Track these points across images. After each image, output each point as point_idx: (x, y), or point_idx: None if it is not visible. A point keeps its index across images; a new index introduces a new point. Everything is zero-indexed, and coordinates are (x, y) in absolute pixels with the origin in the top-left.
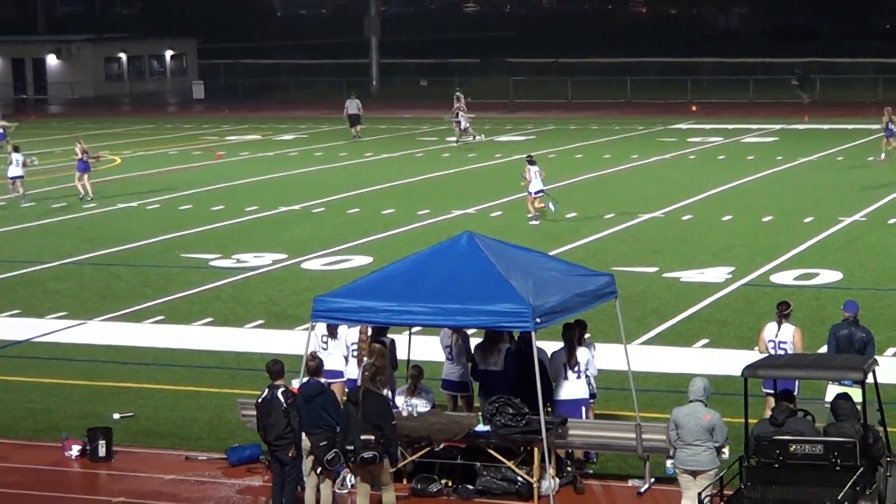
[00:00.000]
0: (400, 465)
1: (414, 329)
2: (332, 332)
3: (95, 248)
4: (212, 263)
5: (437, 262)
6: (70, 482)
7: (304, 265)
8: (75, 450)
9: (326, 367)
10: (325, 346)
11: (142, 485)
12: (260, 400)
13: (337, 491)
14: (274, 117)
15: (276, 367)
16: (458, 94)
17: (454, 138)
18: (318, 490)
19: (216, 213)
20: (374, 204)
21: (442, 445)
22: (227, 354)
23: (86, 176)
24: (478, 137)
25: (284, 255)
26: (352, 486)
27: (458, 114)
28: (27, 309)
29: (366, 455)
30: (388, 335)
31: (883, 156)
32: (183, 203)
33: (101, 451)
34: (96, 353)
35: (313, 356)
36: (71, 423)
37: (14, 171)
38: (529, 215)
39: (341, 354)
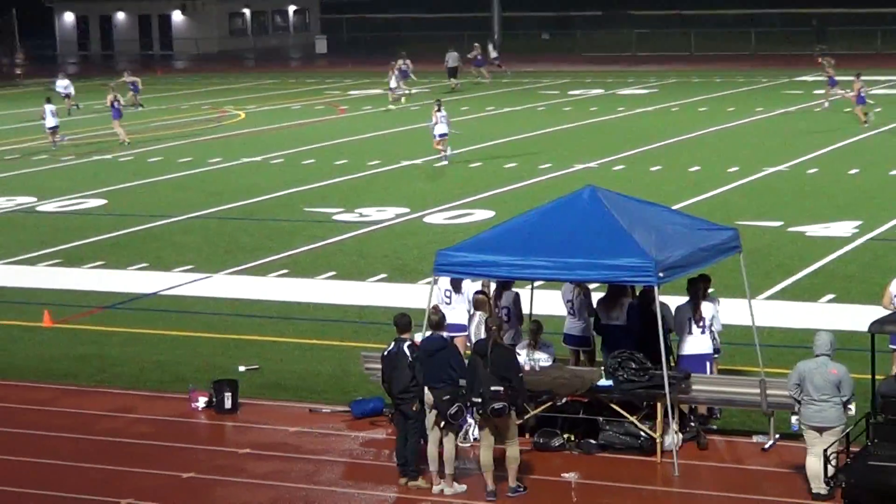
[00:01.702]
0: (522, 420)
1: (536, 283)
2: (456, 287)
3: (221, 202)
4: (335, 217)
5: (559, 216)
6: (197, 433)
7: (426, 219)
8: (202, 401)
9: (449, 321)
10: (447, 300)
11: (267, 436)
12: (385, 353)
13: (460, 444)
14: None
15: (403, 320)
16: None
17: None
18: (440, 444)
19: (339, 168)
20: (495, 158)
21: (564, 400)
22: (350, 308)
23: (119, 122)
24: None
25: (407, 209)
26: (474, 439)
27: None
28: (155, 262)
29: (496, 406)
30: (513, 289)
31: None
32: (306, 157)
33: (227, 403)
34: (222, 307)
35: (436, 310)
36: (197, 375)
37: (50, 121)
38: (439, 156)
39: (464, 308)
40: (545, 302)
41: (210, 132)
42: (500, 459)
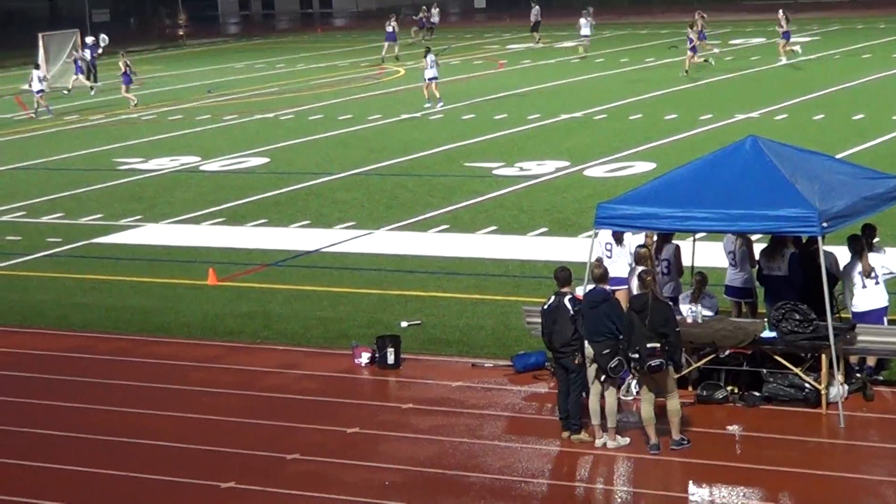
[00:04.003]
0: (685, 372)
1: (698, 235)
2: (618, 240)
3: (381, 158)
4: (495, 172)
5: (720, 167)
6: (360, 389)
7: (586, 172)
8: (365, 357)
9: (611, 274)
10: (608, 253)
11: (430, 391)
12: (546, 307)
13: (622, 398)
14: (555, 25)
15: (563, 273)
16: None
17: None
18: (602, 397)
19: (498, 122)
20: (656, 109)
21: (727, 352)
22: (511, 262)
23: (128, 87)
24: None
25: (567, 163)
26: (636, 392)
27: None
28: (316, 219)
29: (653, 363)
30: (674, 241)
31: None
32: (465, 112)
33: (390, 359)
34: (383, 263)
35: (598, 263)
36: (360, 331)
37: (36, 85)
38: (426, 102)
39: (625, 262)
40: (707, 254)
41: (370, 89)
42: (661, 413)
